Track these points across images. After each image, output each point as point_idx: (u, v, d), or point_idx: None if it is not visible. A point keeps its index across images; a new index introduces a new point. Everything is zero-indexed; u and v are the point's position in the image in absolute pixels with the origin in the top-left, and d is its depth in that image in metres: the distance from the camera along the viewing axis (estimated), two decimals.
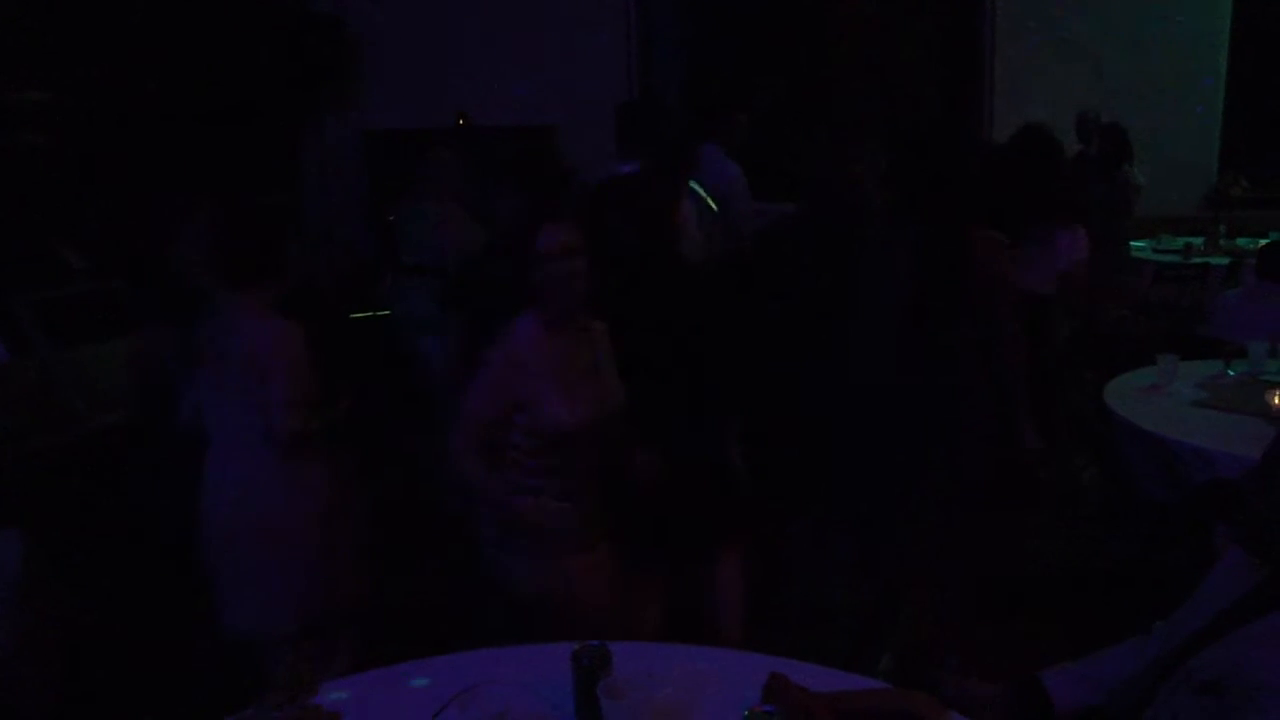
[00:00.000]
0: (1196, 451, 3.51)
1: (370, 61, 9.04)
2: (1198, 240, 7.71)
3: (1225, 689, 1.51)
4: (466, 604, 3.08)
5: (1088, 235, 4.49)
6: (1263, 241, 6.38)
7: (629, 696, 1.82)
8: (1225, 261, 7.33)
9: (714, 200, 5.45)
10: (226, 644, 3.30)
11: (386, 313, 5.92)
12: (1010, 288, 3.60)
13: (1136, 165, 6.99)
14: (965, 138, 7.86)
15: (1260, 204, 8.63)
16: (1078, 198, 6.55)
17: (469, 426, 2.81)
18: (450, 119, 8.69)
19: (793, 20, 9.53)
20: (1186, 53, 9.02)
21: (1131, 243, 7.37)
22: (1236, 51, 9.09)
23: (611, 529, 3.06)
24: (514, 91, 8.88)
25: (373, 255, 7.70)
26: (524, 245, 2.85)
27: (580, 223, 3.47)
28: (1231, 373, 4.19)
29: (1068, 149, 7.54)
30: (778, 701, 1.81)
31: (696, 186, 4.96)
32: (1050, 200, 4.23)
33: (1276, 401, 3.75)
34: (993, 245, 3.58)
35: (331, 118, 9.13)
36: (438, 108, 8.71)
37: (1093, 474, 4.78)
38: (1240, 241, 7.71)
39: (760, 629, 3.83)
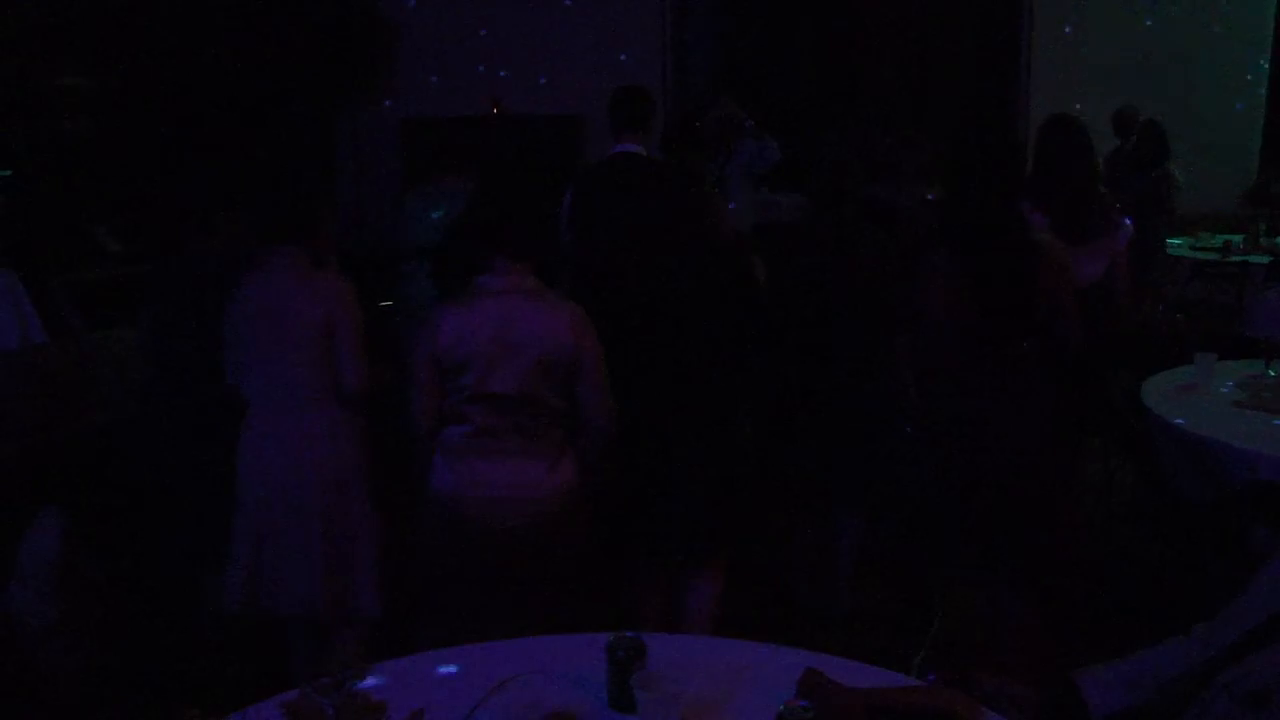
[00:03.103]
0: (1235, 452, 3.46)
1: (406, 49, 9.06)
2: (1237, 238, 7.61)
3: (1271, 700, 1.48)
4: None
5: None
6: None
7: (663, 689, 1.83)
8: (1265, 260, 7.24)
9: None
10: (257, 622, 3.34)
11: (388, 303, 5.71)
12: (1073, 295, 3.43)
13: (1173, 162, 6.92)
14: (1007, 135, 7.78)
15: None
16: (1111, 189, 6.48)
17: None
18: (485, 106, 8.70)
19: (827, 9, 9.48)
20: (1228, 48, 8.92)
21: (1169, 240, 7.29)
22: None
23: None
24: (547, 80, 8.90)
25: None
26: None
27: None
28: (1272, 373, 4.13)
29: (1104, 143, 7.53)
30: (813, 697, 1.81)
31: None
32: (1095, 192, 4.16)
33: None
34: (1056, 251, 3.42)
35: (366, 104, 9.16)
36: (472, 95, 8.73)
37: (1129, 473, 4.74)
38: None
39: (795, 624, 3.83)
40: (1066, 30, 8.88)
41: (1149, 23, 8.83)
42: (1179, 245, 7.58)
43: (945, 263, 3.34)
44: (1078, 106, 8.20)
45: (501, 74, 8.99)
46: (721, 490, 3.49)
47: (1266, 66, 9.01)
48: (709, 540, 3.52)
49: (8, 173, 6.94)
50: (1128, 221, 4.20)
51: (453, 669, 2.09)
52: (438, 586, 3.03)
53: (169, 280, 3.66)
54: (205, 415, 3.48)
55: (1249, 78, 9.04)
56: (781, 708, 1.72)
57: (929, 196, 5.80)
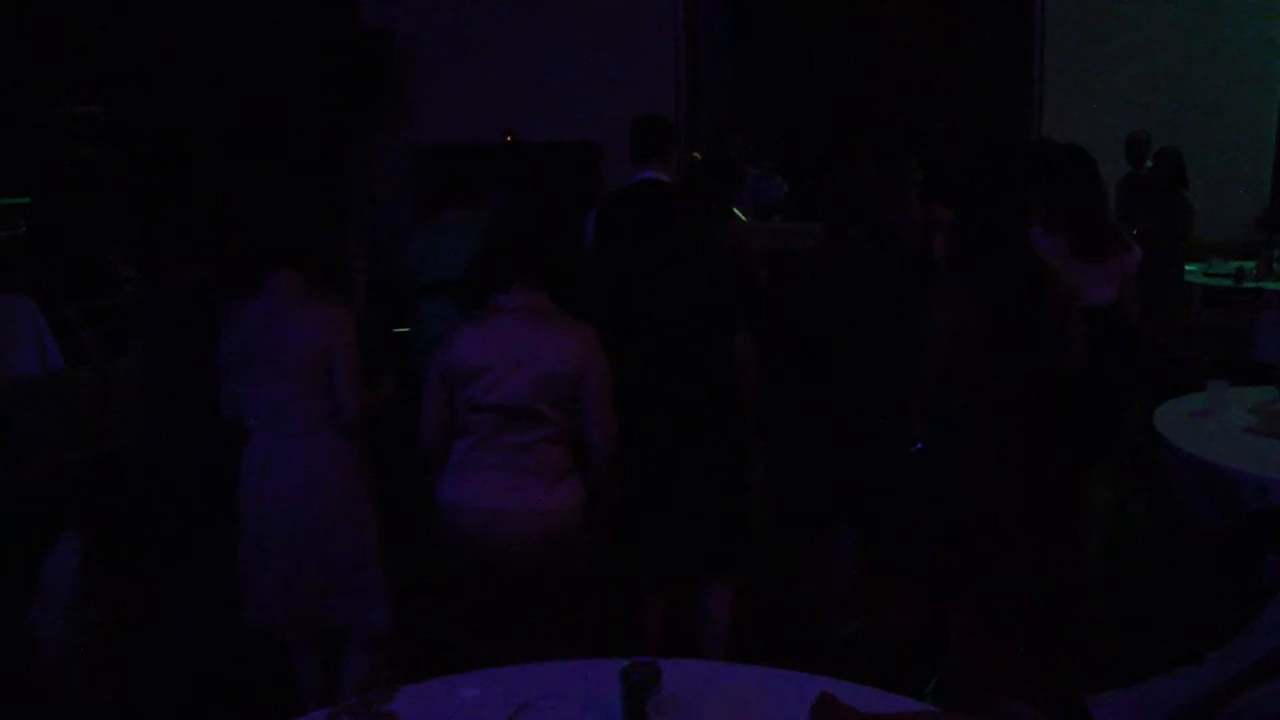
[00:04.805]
0: (1248, 479, 3.46)
1: (421, 77, 9.13)
2: (1250, 264, 7.60)
3: None
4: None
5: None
6: None
7: (677, 714, 1.84)
8: (1278, 286, 7.23)
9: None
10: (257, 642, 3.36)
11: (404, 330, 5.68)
12: (1081, 312, 3.52)
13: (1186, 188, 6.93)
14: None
15: None
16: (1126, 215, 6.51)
17: None
18: (498, 135, 8.75)
19: (839, 35, 9.54)
20: (1240, 74, 8.92)
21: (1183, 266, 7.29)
22: None
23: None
24: (561, 108, 8.95)
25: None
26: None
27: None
28: None
29: (1117, 169, 7.56)
30: None
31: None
32: (1106, 215, 4.21)
33: None
34: (1064, 274, 3.54)
35: (380, 132, 9.23)
36: (486, 124, 8.78)
37: (1142, 499, 4.74)
38: None
39: (806, 649, 3.83)
40: (1078, 58, 8.91)
41: (1161, 51, 8.85)
42: (1192, 272, 7.57)
43: (957, 284, 3.41)
44: (1088, 132, 8.23)
45: (515, 103, 9.05)
46: (733, 504, 3.55)
47: (1278, 92, 9.02)
48: (720, 553, 3.56)
49: (25, 200, 7.01)
50: (1135, 247, 4.24)
51: (472, 692, 2.11)
52: (452, 598, 3.11)
53: (151, 306, 3.71)
54: (200, 441, 3.49)
55: (1261, 103, 9.05)
56: None
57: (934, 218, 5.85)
